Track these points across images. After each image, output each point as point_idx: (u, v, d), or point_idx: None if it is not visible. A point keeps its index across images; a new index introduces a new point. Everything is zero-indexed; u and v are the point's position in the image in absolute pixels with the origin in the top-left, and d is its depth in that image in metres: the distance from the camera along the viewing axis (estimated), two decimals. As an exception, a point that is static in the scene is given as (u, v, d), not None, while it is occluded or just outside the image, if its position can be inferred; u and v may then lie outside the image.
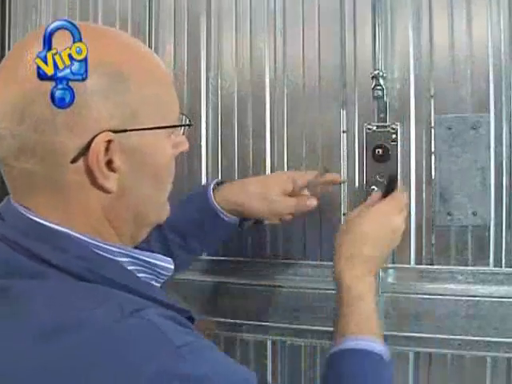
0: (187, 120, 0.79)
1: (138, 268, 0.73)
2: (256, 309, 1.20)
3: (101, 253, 0.69)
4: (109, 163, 0.67)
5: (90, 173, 0.67)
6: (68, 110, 0.65)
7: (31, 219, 0.68)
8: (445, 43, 1.10)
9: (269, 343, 1.22)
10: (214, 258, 1.26)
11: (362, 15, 1.14)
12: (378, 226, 0.98)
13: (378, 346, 0.89)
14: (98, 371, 0.58)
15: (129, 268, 0.71)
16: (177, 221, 0.96)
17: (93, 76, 0.66)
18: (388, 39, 1.13)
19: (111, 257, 0.70)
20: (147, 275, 0.74)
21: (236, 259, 1.25)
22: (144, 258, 0.73)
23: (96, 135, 0.65)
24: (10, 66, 0.69)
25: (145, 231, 0.76)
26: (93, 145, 0.65)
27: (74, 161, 0.66)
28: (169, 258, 0.76)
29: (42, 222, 0.68)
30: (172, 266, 0.76)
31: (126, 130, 0.67)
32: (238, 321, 1.17)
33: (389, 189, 1.03)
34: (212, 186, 1.08)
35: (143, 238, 0.77)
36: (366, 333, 0.89)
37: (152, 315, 0.63)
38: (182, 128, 0.78)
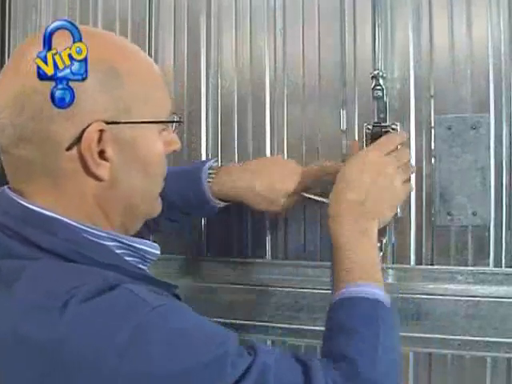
0: (178, 118, 0.83)
1: (125, 252, 0.77)
2: (256, 309, 1.20)
3: (89, 237, 0.73)
4: (102, 153, 0.71)
5: (83, 160, 0.71)
6: None
7: (23, 205, 0.72)
8: (445, 43, 1.09)
9: (269, 343, 1.22)
10: (215, 258, 1.26)
11: (362, 15, 1.14)
12: (360, 169, 0.93)
13: (371, 290, 0.84)
14: (74, 347, 0.62)
15: (116, 251, 0.75)
16: (166, 191, 0.98)
17: (90, 71, 0.68)
18: (388, 39, 1.12)
19: (99, 241, 0.74)
20: (134, 258, 0.77)
21: (236, 260, 1.25)
22: (129, 242, 0.77)
23: (89, 124, 0.68)
24: (12, 64, 0.71)
25: (137, 223, 0.81)
26: (85, 133, 0.70)
27: (68, 148, 0.71)
28: (155, 244, 0.81)
29: (33, 207, 0.72)
30: (157, 252, 0.81)
31: (118, 122, 0.71)
32: (238, 321, 1.16)
33: (374, 137, 1.02)
34: (207, 171, 1.07)
35: (136, 229, 0.80)
36: (357, 279, 0.85)
37: (132, 286, 0.67)
38: (174, 126, 0.81)
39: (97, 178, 0.72)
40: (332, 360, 0.77)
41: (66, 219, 0.71)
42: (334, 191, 0.94)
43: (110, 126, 0.70)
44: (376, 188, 0.92)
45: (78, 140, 0.69)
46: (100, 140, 0.70)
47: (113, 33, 0.80)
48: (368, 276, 0.86)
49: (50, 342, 0.61)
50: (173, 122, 0.82)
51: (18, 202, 0.72)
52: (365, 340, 0.79)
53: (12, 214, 0.71)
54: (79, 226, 0.72)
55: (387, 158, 0.96)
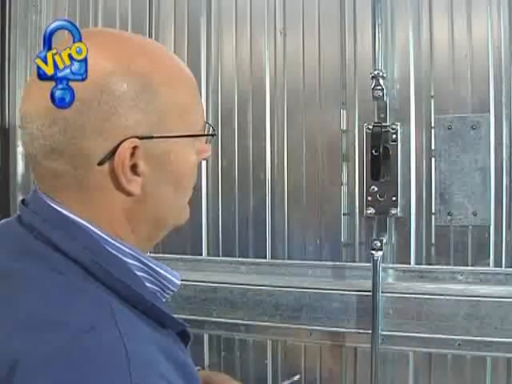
0: (212, 129, 0.81)
1: (146, 276, 0.73)
2: (256, 309, 1.20)
3: (110, 250, 0.70)
4: (133, 167, 0.70)
5: (114, 176, 0.69)
6: (98, 116, 0.66)
7: (52, 207, 0.70)
8: (445, 43, 1.10)
9: (269, 343, 1.22)
10: (215, 258, 1.26)
11: (362, 15, 1.14)
12: None
13: None
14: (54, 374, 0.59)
15: (136, 272, 0.72)
16: None
17: (123, 84, 0.68)
18: (388, 39, 1.13)
19: (120, 256, 0.71)
20: (154, 286, 0.74)
21: (236, 259, 1.25)
22: (152, 265, 0.74)
23: (123, 141, 0.68)
24: None
25: (162, 234, 0.78)
26: (119, 149, 0.68)
27: (100, 163, 0.69)
28: (176, 273, 0.77)
29: (60, 210, 0.70)
30: (178, 282, 0.76)
31: (151, 137, 0.70)
32: (238, 321, 1.17)
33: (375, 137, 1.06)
34: None
35: (158, 240, 0.78)
36: None
37: (135, 343, 0.62)
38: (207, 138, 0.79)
39: (128, 194, 0.70)
40: None
41: (89, 225, 0.70)
42: None
43: (144, 141, 0.69)
44: None
45: (111, 155, 0.68)
46: (132, 155, 0.68)
47: (140, 35, 0.78)
48: None
49: (29, 364, 0.59)
50: (207, 135, 0.80)
51: (47, 203, 0.71)
52: None
53: (40, 214, 0.70)
54: (103, 235, 0.70)
55: None
